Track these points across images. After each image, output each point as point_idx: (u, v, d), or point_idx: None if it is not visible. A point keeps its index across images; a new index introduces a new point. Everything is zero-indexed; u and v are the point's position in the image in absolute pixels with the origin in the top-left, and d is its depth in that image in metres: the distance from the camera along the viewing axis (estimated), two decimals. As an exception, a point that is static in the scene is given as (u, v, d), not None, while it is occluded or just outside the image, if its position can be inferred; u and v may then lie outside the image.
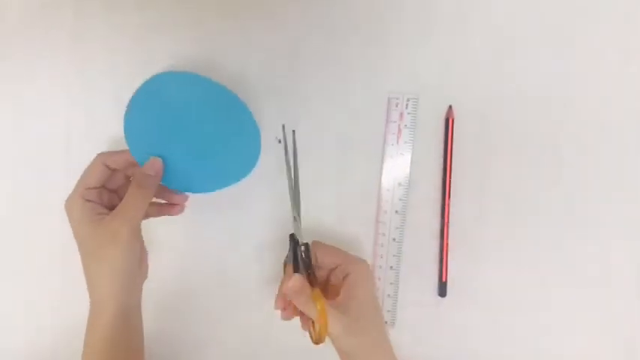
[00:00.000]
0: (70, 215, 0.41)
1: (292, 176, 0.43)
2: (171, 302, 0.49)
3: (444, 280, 0.47)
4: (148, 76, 0.47)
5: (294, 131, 0.45)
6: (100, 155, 0.42)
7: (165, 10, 0.48)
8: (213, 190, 0.44)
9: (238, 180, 0.44)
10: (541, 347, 0.47)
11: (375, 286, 0.42)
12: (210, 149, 0.43)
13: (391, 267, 0.47)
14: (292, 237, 0.42)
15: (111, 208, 0.41)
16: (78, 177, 0.47)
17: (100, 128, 0.48)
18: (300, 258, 0.41)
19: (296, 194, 0.43)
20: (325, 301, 0.37)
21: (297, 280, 0.38)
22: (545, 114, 0.46)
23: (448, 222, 0.46)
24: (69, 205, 0.41)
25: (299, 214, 0.42)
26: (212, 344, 0.50)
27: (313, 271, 0.41)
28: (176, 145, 0.42)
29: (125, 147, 0.43)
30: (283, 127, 0.45)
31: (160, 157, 0.42)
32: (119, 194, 0.43)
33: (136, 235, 0.40)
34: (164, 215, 0.44)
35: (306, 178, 0.44)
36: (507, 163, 0.46)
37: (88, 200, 0.40)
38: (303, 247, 0.41)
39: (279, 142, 0.47)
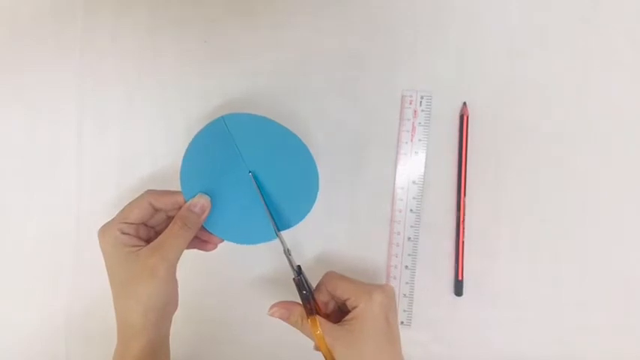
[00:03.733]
0: (104, 245, 0.39)
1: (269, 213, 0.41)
2: (197, 303, 0.48)
3: (460, 278, 0.46)
4: (157, 76, 0.47)
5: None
6: (149, 194, 0.40)
7: (174, 10, 0.47)
8: (261, 242, 0.41)
9: (285, 229, 0.41)
10: (559, 345, 0.47)
11: (392, 315, 0.39)
12: (268, 196, 0.41)
13: (406, 266, 0.46)
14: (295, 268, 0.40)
15: (146, 240, 0.40)
16: (89, 180, 0.48)
17: (111, 130, 0.48)
18: (297, 288, 0.39)
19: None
20: (324, 323, 0.38)
21: (275, 311, 0.40)
22: (561, 110, 0.46)
23: (464, 220, 0.46)
24: (104, 235, 0.39)
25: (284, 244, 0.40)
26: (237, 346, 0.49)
27: (313, 298, 0.40)
28: (232, 190, 0.41)
29: (168, 185, 0.42)
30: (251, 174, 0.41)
31: (215, 206, 0.40)
32: (156, 228, 0.42)
33: (173, 273, 0.39)
34: (195, 249, 0.43)
35: (320, 178, 0.44)
36: (523, 160, 0.46)
37: (125, 233, 0.39)
38: (296, 274, 0.40)
39: None
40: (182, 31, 0.47)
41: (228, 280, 0.48)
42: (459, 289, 0.46)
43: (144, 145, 0.48)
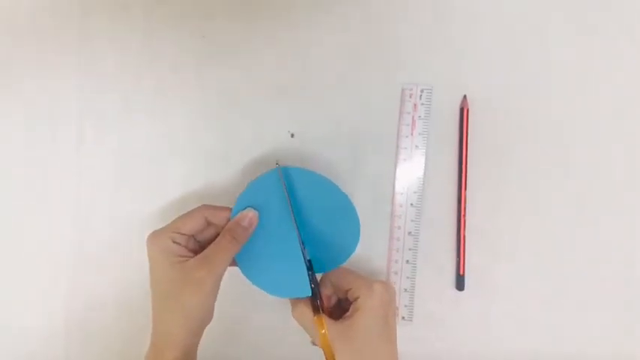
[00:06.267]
0: (152, 252, 0.40)
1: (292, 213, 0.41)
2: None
3: (461, 273, 0.46)
4: (155, 75, 0.47)
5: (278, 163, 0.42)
6: (204, 208, 0.41)
7: (172, 8, 0.47)
8: (294, 296, 0.42)
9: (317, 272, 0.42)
10: (560, 340, 0.46)
11: (391, 313, 0.39)
12: (312, 250, 0.42)
13: (407, 261, 0.46)
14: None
15: (194, 253, 0.40)
16: (90, 178, 0.48)
17: (110, 129, 0.48)
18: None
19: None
20: (327, 322, 0.38)
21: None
22: (562, 103, 0.45)
23: (465, 214, 0.45)
24: (154, 241, 0.40)
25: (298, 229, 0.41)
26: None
27: (319, 293, 0.40)
28: (275, 238, 0.41)
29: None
30: (277, 163, 0.42)
31: (257, 254, 0.41)
32: (201, 243, 0.42)
33: (218, 286, 0.39)
34: (235, 266, 0.43)
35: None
36: (524, 152, 0.46)
37: (176, 242, 0.39)
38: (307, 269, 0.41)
39: (292, 136, 0.46)
40: (180, 29, 0.47)
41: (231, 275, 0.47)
42: (460, 284, 0.46)
43: (143, 146, 0.48)
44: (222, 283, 0.44)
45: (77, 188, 0.48)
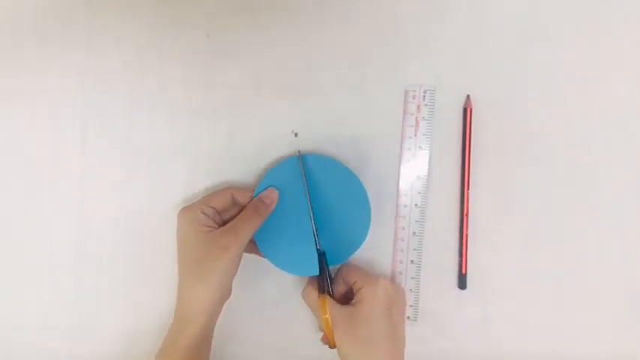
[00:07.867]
0: (182, 223, 0.43)
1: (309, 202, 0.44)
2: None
3: (463, 272, 0.46)
4: (160, 73, 0.47)
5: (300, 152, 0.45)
6: (231, 188, 0.45)
7: (177, 7, 0.47)
8: (304, 274, 0.45)
9: (333, 264, 0.44)
10: (562, 339, 0.47)
11: (396, 310, 0.41)
12: (325, 235, 0.44)
13: (412, 261, 0.46)
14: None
15: (219, 225, 0.43)
16: (93, 177, 0.48)
17: (113, 127, 0.48)
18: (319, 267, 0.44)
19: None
20: (332, 304, 0.41)
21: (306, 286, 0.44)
22: (564, 103, 0.46)
23: (468, 214, 0.46)
24: (185, 213, 0.43)
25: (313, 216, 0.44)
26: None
27: (330, 280, 0.43)
28: (291, 220, 0.44)
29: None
30: (299, 152, 0.45)
31: (273, 234, 0.44)
32: (226, 221, 0.44)
33: (240, 255, 0.42)
34: (253, 254, 0.45)
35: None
36: (527, 153, 0.46)
37: (204, 213, 0.42)
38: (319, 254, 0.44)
39: (296, 135, 0.46)
40: (185, 28, 0.47)
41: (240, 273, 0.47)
42: (462, 283, 0.46)
43: (146, 144, 0.48)
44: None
45: (80, 187, 0.48)
